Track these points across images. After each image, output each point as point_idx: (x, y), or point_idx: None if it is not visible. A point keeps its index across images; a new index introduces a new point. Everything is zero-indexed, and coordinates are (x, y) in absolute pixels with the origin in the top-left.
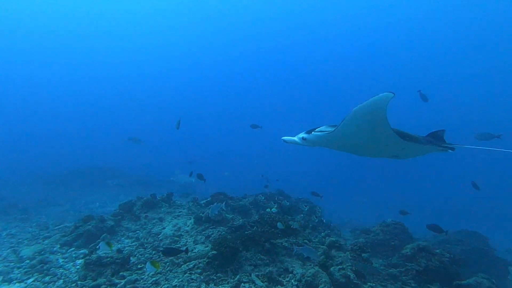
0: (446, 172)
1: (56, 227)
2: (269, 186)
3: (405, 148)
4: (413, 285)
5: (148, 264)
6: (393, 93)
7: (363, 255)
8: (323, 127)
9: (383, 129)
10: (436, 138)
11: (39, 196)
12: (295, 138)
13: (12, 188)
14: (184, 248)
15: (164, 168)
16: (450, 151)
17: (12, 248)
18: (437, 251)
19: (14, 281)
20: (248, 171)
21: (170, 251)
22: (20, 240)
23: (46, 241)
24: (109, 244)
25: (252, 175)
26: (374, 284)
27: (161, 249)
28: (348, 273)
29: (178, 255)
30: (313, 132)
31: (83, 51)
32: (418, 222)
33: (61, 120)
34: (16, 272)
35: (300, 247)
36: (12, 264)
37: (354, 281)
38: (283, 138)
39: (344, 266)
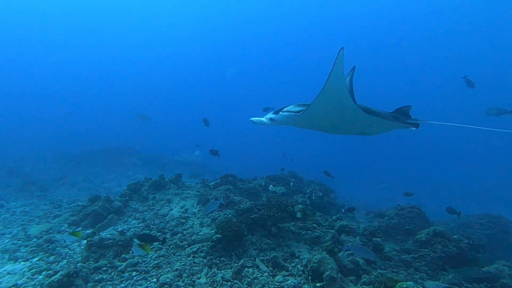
0: (471, 156)
1: (69, 206)
2: (285, 169)
3: (371, 125)
4: (427, 272)
5: (134, 247)
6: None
7: (374, 239)
8: (290, 106)
9: (346, 103)
10: (402, 114)
11: (58, 174)
12: (263, 119)
13: (32, 165)
14: (161, 238)
15: (179, 148)
16: (413, 128)
17: (22, 226)
18: (455, 236)
19: (20, 260)
20: (265, 153)
21: (145, 238)
22: (32, 218)
23: (55, 220)
24: (75, 234)
25: (268, 157)
26: (385, 271)
27: (140, 234)
28: (357, 259)
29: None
30: (280, 113)
31: (101, 34)
32: (440, 206)
33: (81, 101)
34: (23, 250)
35: (354, 247)
36: (20, 242)
37: (363, 267)
38: (251, 119)
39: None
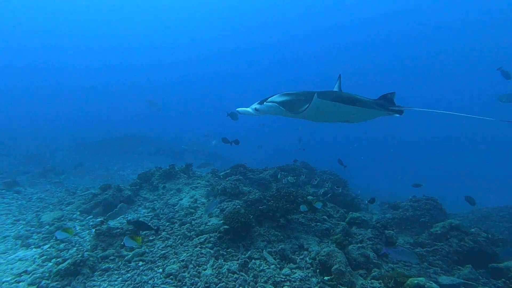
0: (492, 146)
1: (82, 193)
2: (298, 161)
3: (353, 114)
4: (441, 266)
5: (126, 238)
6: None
7: (386, 232)
8: (274, 96)
9: (327, 105)
10: (386, 101)
11: (75, 162)
12: (249, 109)
13: (52, 153)
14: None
15: (193, 137)
16: (397, 115)
17: (36, 213)
18: (472, 230)
19: (32, 246)
20: (279, 144)
21: (139, 225)
22: (46, 204)
23: (68, 207)
24: (66, 230)
25: (282, 147)
26: (396, 265)
27: (134, 220)
28: (368, 252)
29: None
30: (265, 103)
31: (116, 26)
32: (460, 198)
33: (98, 91)
34: (35, 237)
35: (393, 249)
36: (33, 229)
37: (374, 261)
38: (237, 109)
39: (364, 244)
